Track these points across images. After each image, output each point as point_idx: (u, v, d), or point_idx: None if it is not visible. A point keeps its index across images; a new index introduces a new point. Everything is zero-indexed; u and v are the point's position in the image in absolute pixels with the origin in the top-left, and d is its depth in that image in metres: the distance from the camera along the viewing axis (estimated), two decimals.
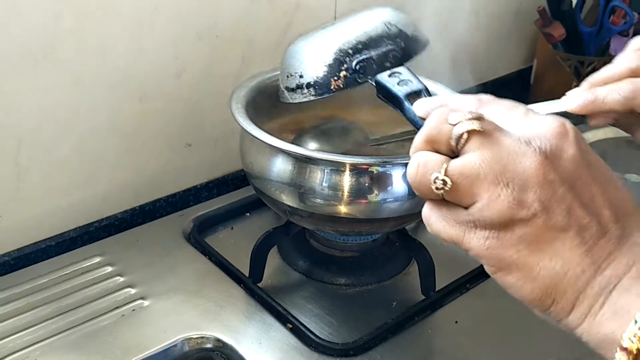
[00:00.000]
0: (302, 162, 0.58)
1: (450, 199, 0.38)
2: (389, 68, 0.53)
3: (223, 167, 0.84)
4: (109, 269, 0.67)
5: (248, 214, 0.79)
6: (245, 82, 0.68)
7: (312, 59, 0.55)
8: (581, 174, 0.36)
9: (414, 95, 0.48)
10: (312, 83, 0.55)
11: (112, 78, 0.71)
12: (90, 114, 0.71)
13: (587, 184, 0.36)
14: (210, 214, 0.77)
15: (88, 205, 0.74)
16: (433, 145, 0.38)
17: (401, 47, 0.55)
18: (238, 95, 0.65)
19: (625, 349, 0.34)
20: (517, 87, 1.22)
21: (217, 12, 0.76)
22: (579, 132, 0.38)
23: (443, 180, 0.37)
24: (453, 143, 0.37)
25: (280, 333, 0.60)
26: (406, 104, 0.47)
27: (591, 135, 0.87)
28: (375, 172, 0.57)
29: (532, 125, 0.37)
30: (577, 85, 1.10)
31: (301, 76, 0.55)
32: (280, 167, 0.59)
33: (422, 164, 0.38)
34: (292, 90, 0.56)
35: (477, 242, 0.38)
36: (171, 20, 0.72)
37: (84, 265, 0.67)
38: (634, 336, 0.33)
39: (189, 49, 0.75)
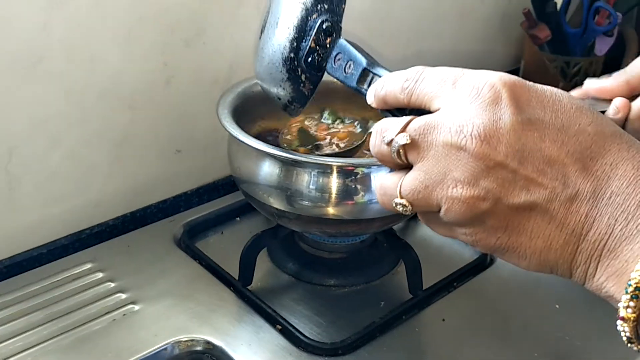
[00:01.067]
0: (289, 165, 0.59)
1: (419, 212, 0.39)
2: (331, 45, 0.52)
3: (213, 173, 0.85)
4: (100, 274, 0.68)
5: (238, 218, 0.80)
6: (232, 88, 0.70)
7: (274, 83, 0.55)
8: (527, 140, 0.34)
9: (362, 80, 0.48)
10: (291, 100, 0.56)
11: (101, 86, 0.72)
12: (81, 123, 0.72)
13: (537, 148, 0.34)
14: (201, 219, 0.78)
15: (79, 212, 0.75)
16: (386, 165, 0.40)
17: (326, 10, 0.53)
18: (225, 100, 0.66)
19: (622, 318, 0.34)
20: None
21: (204, 19, 0.77)
22: (516, 82, 0.36)
23: (402, 204, 0.38)
24: (398, 161, 0.38)
25: (269, 334, 0.60)
26: (363, 91, 0.48)
27: None
28: (360, 173, 0.58)
29: (462, 100, 0.36)
30: (563, 86, 1.11)
31: (279, 98, 0.56)
32: (267, 170, 0.60)
33: (382, 193, 0.40)
34: (286, 109, 0.57)
35: (463, 237, 0.39)
36: (158, 27, 0.73)
37: (75, 272, 0.68)
38: (628, 306, 0.33)
39: (177, 56, 0.76)
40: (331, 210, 0.59)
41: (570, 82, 1.13)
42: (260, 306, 0.63)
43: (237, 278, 0.67)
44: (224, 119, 0.62)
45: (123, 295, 0.65)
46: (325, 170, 0.58)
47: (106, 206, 0.77)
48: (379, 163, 0.58)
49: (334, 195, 0.59)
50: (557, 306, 0.65)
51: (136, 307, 0.63)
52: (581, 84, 1.08)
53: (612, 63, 1.17)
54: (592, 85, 0.53)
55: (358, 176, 0.58)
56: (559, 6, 1.10)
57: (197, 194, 0.84)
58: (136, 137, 0.77)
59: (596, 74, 1.15)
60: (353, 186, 0.58)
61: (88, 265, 0.69)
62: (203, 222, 0.78)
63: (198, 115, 0.81)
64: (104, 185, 0.76)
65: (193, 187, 0.84)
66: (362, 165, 0.58)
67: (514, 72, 1.24)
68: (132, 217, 0.79)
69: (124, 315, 0.62)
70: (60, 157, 0.71)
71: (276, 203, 0.61)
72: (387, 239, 0.69)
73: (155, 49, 0.74)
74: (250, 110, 0.71)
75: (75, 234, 0.75)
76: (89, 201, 0.76)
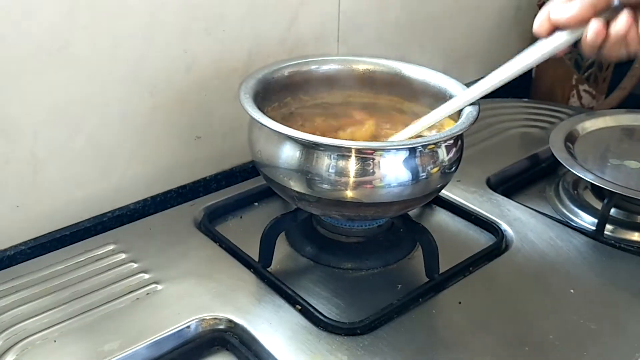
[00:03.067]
0: (309, 148, 0.60)
1: None
2: None
3: (232, 159, 0.87)
4: (123, 255, 0.69)
5: (256, 203, 0.81)
6: (253, 74, 0.71)
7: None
8: None
9: None
10: None
11: (123, 72, 0.73)
12: (103, 108, 0.73)
13: None
14: (220, 203, 0.79)
15: (101, 196, 0.77)
16: None
17: None
18: (246, 85, 0.67)
19: None
20: (519, 81, 1.23)
21: (224, 7, 0.78)
22: None
23: None
24: None
25: (289, 314, 0.62)
26: None
27: (590, 124, 0.89)
28: (379, 156, 0.59)
29: None
30: (577, 78, 1.11)
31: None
32: (288, 153, 0.61)
33: None
34: None
35: None
36: (180, 14, 0.74)
37: (98, 253, 0.70)
38: None
39: (198, 43, 0.78)
40: (350, 194, 0.61)
41: (584, 74, 1.13)
42: (280, 287, 0.64)
43: (257, 260, 0.68)
44: (246, 103, 0.64)
45: (146, 276, 0.66)
46: (344, 153, 0.59)
47: (127, 190, 0.79)
48: (398, 146, 0.60)
49: (352, 179, 0.60)
50: (572, 291, 0.66)
51: (159, 287, 0.65)
52: (595, 76, 1.08)
53: None
54: (560, 14, 0.54)
55: (376, 160, 0.59)
56: None
57: (215, 179, 0.86)
58: (157, 123, 0.78)
59: (610, 67, 1.16)
60: (371, 170, 0.59)
61: (111, 247, 0.71)
62: (223, 206, 0.79)
63: (217, 102, 0.82)
64: (125, 170, 0.78)
65: (212, 173, 0.86)
66: (381, 149, 0.60)
67: None
68: (153, 201, 0.81)
69: (147, 294, 0.64)
70: (83, 141, 0.73)
71: (296, 186, 0.62)
72: (405, 223, 0.70)
73: (176, 36, 0.75)
74: (271, 95, 0.72)
75: (98, 217, 0.77)
76: (111, 185, 0.77)
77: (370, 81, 0.77)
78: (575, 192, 0.84)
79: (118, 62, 0.72)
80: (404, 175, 0.60)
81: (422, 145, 0.61)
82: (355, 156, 0.59)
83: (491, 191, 0.83)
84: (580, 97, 1.14)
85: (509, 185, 0.87)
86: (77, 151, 0.73)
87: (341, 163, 0.59)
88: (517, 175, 0.89)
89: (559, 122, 0.97)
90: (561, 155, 0.81)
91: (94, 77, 0.71)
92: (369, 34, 0.96)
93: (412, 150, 0.60)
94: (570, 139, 0.86)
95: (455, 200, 0.80)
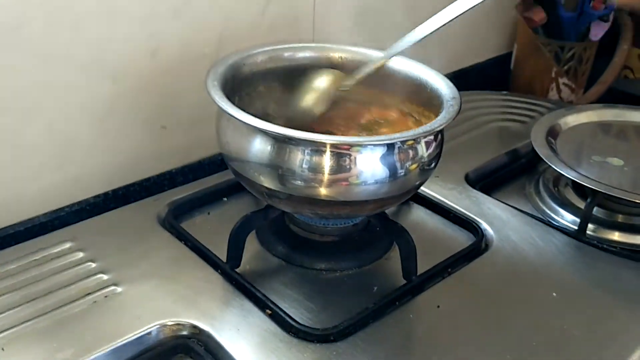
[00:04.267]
0: (281, 142, 0.56)
1: None
2: None
3: (199, 151, 0.82)
4: (80, 254, 0.65)
5: (225, 199, 0.77)
6: (223, 60, 0.66)
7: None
8: None
9: None
10: None
11: (82, 56, 0.68)
12: (61, 94, 0.68)
13: None
14: (186, 198, 0.75)
15: (59, 189, 0.72)
16: None
17: None
18: (215, 72, 0.63)
19: None
20: (497, 72, 1.21)
21: None
22: None
23: None
24: None
25: (259, 319, 0.58)
26: None
27: (572, 119, 0.87)
28: (356, 152, 0.56)
29: None
30: (557, 71, 1.10)
31: None
32: (259, 147, 0.57)
33: None
34: None
35: None
36: None
37: (54, 251, 0.65)
38: None
39: (164, 26, 0.73)
40: (324, 191, 0.57)
41: (564, 66, 1.11)
42: (249, 289, 0.60)
43: (224, 260, 0.64)
44: (213, 91, 0.59)
45: (105, 277, 0.62)
46: (319, 148, 0.55)
47: (87, 183, 0.74)
48: (375, 142, 0.56)
49: (327, 175, 0.56)
50: (554, 294, 0.63)
51: (118, 289, 0.60)
52: (575, 69, 1.06)
53: (606, 49, 1.15)
54: None
55: (352, 155, 0.56)
56: None
57: (182, 172, 0.81)
58: (119, 111, 0.73)
59: (590, 60, 1.13)
60: (347, 166, 0.56)
61: (68, 245, 0.66)
62: (189, 201, 0.74)
63: (185, 90, 0.78)
64: (85, 161, 0.73)
65: (178, 166, 0.81)
66: (358, 144, 0.56)
67: (506, 55, 1.23)
68: (114, 195, 0.76)
69: (106, 297, 0.59)
70: (38, 130, 0.68)
71: (267, 182, 0.58)
72: (381, 222, 0.66)
73: (140, 18, 0.71)
74: (242, 84, 0.68)
75: (55, 212, 0.72)
76: (69, 177, 0.72)
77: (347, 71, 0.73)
78: (556, 189, 0.82)
79: (77, 45, 0.67)
80: (381, 172, 0.57)
81: (400, 141, 0.57)
82: (331, 151, 0.56)
83: (470, 187, 0.80)
84: (559, 91, 1.12)
85: (488, 181, 0.84)
86: (31, 140, 0.68)
87: (315, 158, 0.56)
88: (497, 171, 0.86)
89: (538, 117, 0.95)
90: (543, 152, 0.78)
91: (51, 61, 0.66)
92: (345, 19, 0.92)
93: (390, 146, 0.56)
94: (552, 134, 0.83)
95: (433, 197, 0.77)
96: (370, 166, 0.56)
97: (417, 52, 1.06)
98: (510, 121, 0.98)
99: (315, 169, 0.56)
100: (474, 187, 0.80)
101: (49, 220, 0.71)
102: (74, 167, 0.72)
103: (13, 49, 0.62)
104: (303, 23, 0.86)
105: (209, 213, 0.74)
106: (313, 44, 0.73)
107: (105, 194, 0.75)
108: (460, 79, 1.20)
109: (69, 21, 0.65)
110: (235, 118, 0.56)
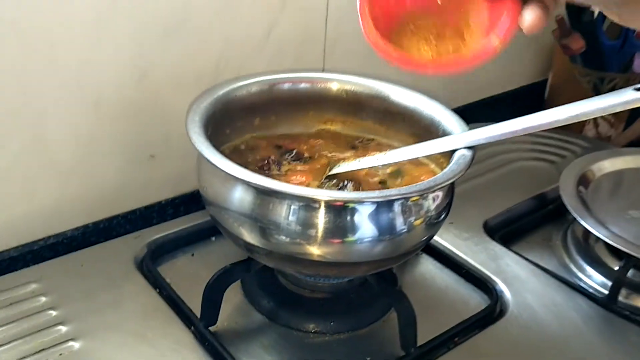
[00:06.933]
0: (266, 195, 0.49)
1: None
2: None
3: (191, 181, 0.75)
4: (42, 299, 0.58)
5: (213, 238, 0.70)
6: (211, 89, 0.59)
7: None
8: None
9: None
10: None
11: (61, 79, 0.62)
12: (36, 119, 0.62)
13: None
14: (170, 236, 0.68)
15: (32, 220, 0.66)
16: None
17: None
18: (200, 104, 0.56)
19: None
20: (530, 102, 1.12)
21: (190, 5, 0.66)
22: None
23: None
24: None
25: None
26: None
27: (608, 165, 0.77)
28: (351, 209, 0.48)
29: None
30: None
31: None
32: (238, 196, 0.50)
33: None
34: None
35: None
36: (134, 11, 0.63)
37: (14, 294, 0.59)
38: None
39: (154, 47, 0.66)
40: (310, 250, 0.49)
41: None
42: (222, 355, 0.53)
43: (199, 316, 0.57)
44: (192, 131, 0.52)
45: (63, 329, 0.55)
46: (309, 203, 0.48)
47: (64, 214, 0.68)
48: (374, 199, 0.49)
49: (318, 232, 0.48)
50: None
51: (76, 346, 0.53)
52: None
53: None
54: None
55: (346, 212, 0.48)
56: (596, 14, 0.98)
57: (172, 204, 0.75)
58: (102, 139, 0.67)
59: None
60: (339, 224, 0.48)
61: (32, 286, 0.60)
62: (172, 240, 0.68)
63: (176, 116, 0.69)
64: (63, 191, 0.66)
65: (168, 197, 0.74)
66: (352, 201, 0.48)
67: (540, 84, 1.13)
68: (95, 228, 0.70)
69: (60, 355, 0.53)
70: (11, 157, 0.62)
71: (246, 235, 0.51)
72: (378, 282, 0.58)
73: (128, 37, 0.64)
74: (236, 118, 0.61)
75: (27, 245, 0.66)
76: (44, 208, 0.66)
77: (354, 104, 0.65)
78: (587, 243, 0.72)
79: (55, 66, 0.61)
80: (379, 229, 0.49)
81: (404, 198, 0.49)
82: (324, 207, 0.48)
83: (488, 238, 0.71)
84: (597, 125, 1.02)
85: (509, 230, 0.75)
86: (2, 168, 0.62)
87: (303, 213, 0.48)
88: (520, 218, 0.77)
89: (571, 156, 0.86)
90: (572, 203, 0.69)
91: (25, 82, 0.60)
92: (359, 45, 0.84)
93: (389, 203, 0.49)
94: (584, 181, 0.74)
95: (445, 247, 0.69)
96: (367, 224, 0.49)
97: (439, 79, 0.98)
98: (539, 160, 0.89)
99: (304, 225, 0.48)
100: (492, 237, 0.72)
101: (20, 255, 0.65)
102: (51, 197, 0.66)
103: None
104: (313, 48, 0.79)
105: (192, 254, 0.68)
106: (316, 74, 0.65)
107: (85, 227, 0.69)
108: (489, 107, 1.13)
109: (44, 40, 0.59)
110: (213, 164, 0.49)
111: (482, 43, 0.45)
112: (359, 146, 0.64)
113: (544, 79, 1.12)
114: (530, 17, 0.41)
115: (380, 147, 0.63)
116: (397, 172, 0.60)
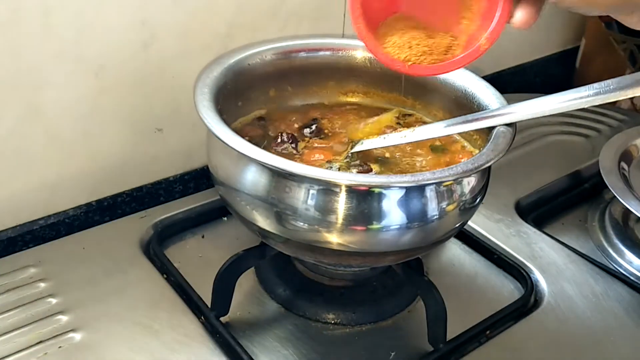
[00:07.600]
0: (282, 177, 0.44)
1: None
2: None
3: (201, 156, 0.70)
4: (42, 285, 0.54)
5: (225, 218, 0.65)
6: (220, 58, 0.54)
7: None
8: None
9: None
10: None
11: (60, 47, 0.57)
12: (32, 90, 0.57)
13: None
14: (178, 216, 0.63)
15: (32, 198, 0.61)
16: None
17: None
18: (208, 75, 0.51)
19: None
20: (560, 71, 1.06)
21: None
22: None
23: None
24: None
25: None
26: None
27: None
28: (377, 194, 0.43)
29: None
30: (630, 73, 0.93)
31: None
32: (252, 178, 0.45)
33: None
34: None
35: None
36: None
37: (13, 280, 0.55)
38: None
39: (161, 12, 0.61)
40: (330, 238, 0.45)
41: None
42: (234, 349, 0.49)
43: (209, 305, 0.52)
44: (201, 105, 0.47)
45: (63, 318, 0.51)
46: (329, 187, 0.43)
47: (66, 192, 0.63)
48: (402, 184, 0.44)
49: (339, 219, 0.44)
50: None
51: (77, 337, 0.49)
52: None
53: None
54: None
55: (372, 198, 0.43)
56: None
57: (181, 181, 0.70)
58: (104, 110, 0.62)
59: None
60: (364, 210, 0.43)
61: (30, 271, 0.56)
62: (180, 221, 0.63)
63: (184, 86, 0.65)
64: (63, 166, 0.62)
65: (176, 173, 0.70)
66: (377, 186, 0.43)
67: (571, 51, 1.07)
68: (99, 206, 0.65)
69: (60, 347, 0.49)
70: (6, 131, 0.57)
71: (261, 220, 0.46)
72: (404, 270, 0.53)
73: (130, 3, 0.59)
74: (248, 89, 0.56)
75: (26, 225, 0.62)
76: (44, 185, 0.62)
77: (380, 74, 0.60)
78: (626, 225, 0.67)
79: (53, 34, 0.56)
80: (407, 217, 0.44)
81: (436, 183, 0.44)
82: (345, 192, 0.43)
83: (520, 220, 0.66)
84: (632, 98, 0.96)
85: (543, 210, 0.70)
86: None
87: (322, 199, 0.43)
88: (554, 197, 0.72)
89: (606, 130, 0.80)
90: (613, 182, 0.64)
91: (20, 51, 0.55)
92: None
93: (420, 188, 0.44)
94: (626, 158, 0.69)
95: (475, 231, 0.64)
96: (395, 210, 0.44)
97: None
98: (572, 134, 0.83)
99: (323, 211, 0.43)
100: (525, 218, 0.67)
101: (19, 235, 0.61)
102: (51, 173, 0.62)
103: None
104: (332, 11, 0.73)
105: (203, 236, 0.63)
106: (337, 40, 0.60)
107: (88, 205, 0.65)
108: (517, 76, 1.06)
109: (38, 5, 0.54)
110: (225, 143, 0.44)
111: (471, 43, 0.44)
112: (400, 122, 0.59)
113: (576, 46, 1.06)
114: (521, 15, 0.42)
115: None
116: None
